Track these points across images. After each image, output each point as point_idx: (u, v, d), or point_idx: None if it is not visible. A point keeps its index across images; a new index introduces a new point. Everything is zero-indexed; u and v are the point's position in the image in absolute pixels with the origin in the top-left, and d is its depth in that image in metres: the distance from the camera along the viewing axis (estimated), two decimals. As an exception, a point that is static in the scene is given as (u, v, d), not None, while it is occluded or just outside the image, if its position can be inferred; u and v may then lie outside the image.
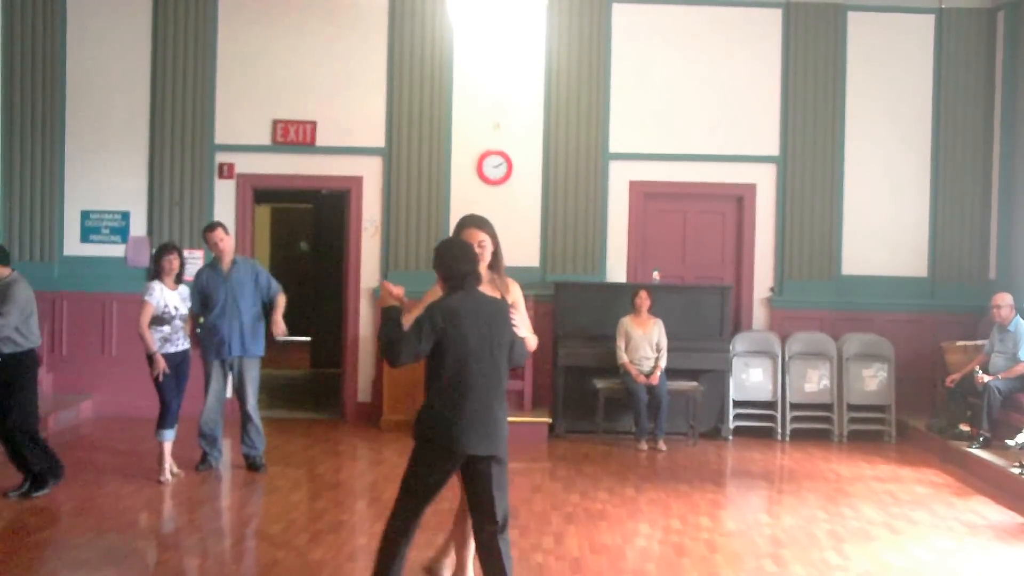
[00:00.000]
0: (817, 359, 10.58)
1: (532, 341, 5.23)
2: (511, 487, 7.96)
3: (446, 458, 4.72)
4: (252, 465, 8.33)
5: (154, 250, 8.78)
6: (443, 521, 6.97)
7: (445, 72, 10.83)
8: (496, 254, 5.37)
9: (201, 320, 8.28)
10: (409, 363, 4.72)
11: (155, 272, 7.99)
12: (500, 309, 4.90)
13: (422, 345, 4.67)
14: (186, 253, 8.94)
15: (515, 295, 5.44)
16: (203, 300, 8.23)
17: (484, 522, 4.82)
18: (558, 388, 10.34)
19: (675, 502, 7.75)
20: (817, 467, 9.24)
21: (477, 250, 5.13)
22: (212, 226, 8.39)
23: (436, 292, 5.09)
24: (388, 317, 4.73)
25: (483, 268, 5.21)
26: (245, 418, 8.32)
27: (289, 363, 14.62)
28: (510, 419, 10.40)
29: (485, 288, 5.02)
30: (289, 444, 9.59)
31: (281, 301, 8.39)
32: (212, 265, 8.38)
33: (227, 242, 8.32)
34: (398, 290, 4.85)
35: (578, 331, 10.34)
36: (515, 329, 4.94)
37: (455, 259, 4.83)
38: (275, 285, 8.44)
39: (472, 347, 4.71)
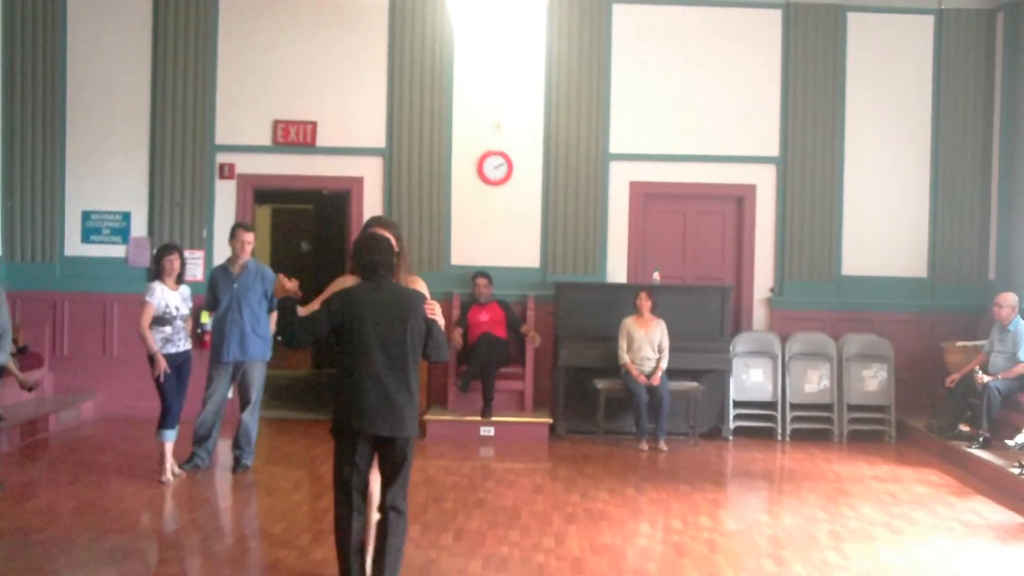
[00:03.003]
0: (817, 359, 10.58)
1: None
2: (512, 487, 8.06)
3: (354, 439, 5.05)
4: (235, 465, 8.38)
5: (155, 250, 8.79)
6: (445, 520, 6.99)
7: (445, 72, 10.84)
8: (400, 254, 5.46)
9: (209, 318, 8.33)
10: (307, 344, 5.11)
11: (156, 272, 8.00)
12: (410, 299, 5.14)
13: (318, 328, 5.01)
14: (187, 253, 8.96)
15: (421, 291, 5.50)
16: (213, 298, 8.32)
17: (383, 494, 5.17)
18: (559, 388, 10.35)
19: (676, 502, 7.76)
20: (817, 467, 9.25)
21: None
22: (248, 227, 8.49)
23: (342, 280, 5.43)
24: (282, 306, 5.09)
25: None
26: (239, 421, 8.39)
27: (290, 363, 14.61)
28: (510, 419, 10.45)
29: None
30: (291, 444, 9.60)
31: (274, 317, 8.40)
32: (224, 267, 8.42)
33: (252, 246, 8.38)
34: (292, 283, 5.16)
35: (579, 331, 10.35)
36: (434, 318, 5.19)
37: (367, 250, 5.14)
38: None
39: (371, 334, 4.98)
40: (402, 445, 5.09)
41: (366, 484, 5.20)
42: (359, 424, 4.99)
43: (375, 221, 5.64)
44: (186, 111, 10.73)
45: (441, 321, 5.27)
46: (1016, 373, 9.18)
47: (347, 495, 5.12)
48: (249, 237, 8.34)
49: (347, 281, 5.35)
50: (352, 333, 4.98)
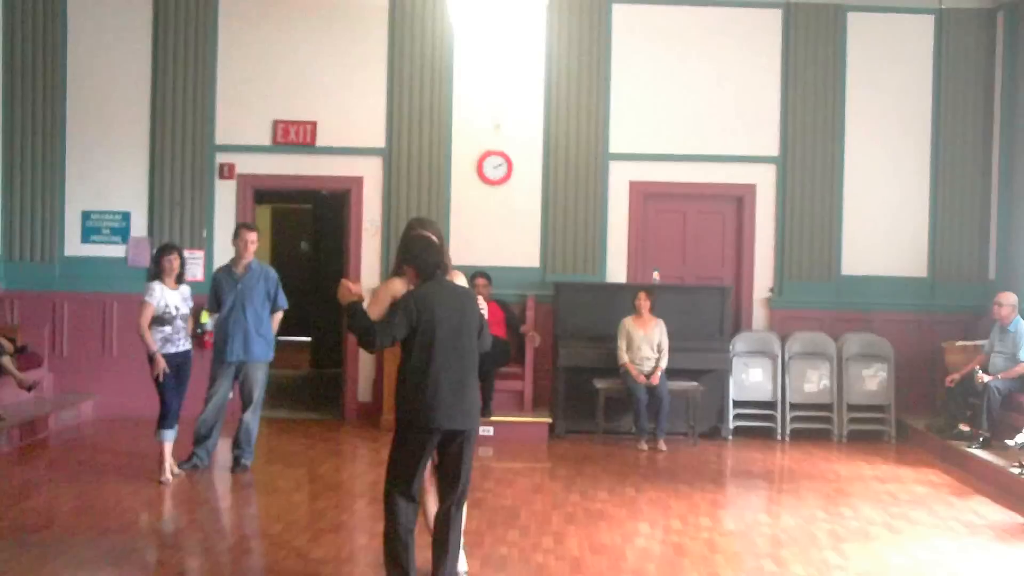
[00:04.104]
0: (817, 359, 10.58)
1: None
2: (511, 487, 8.06)
3: (426, 434, 5.13)
4: (234, 464, 8.37)
5: (154, 250, 8.79)
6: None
7: (445, 72, 10.84)
8: (443, 251, 5.66)
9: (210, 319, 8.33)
10: (386, 347, 5.21)
11: (155, 272, 7.99)
12: (468, 296, 5.40)
13: (397, 330, 5.11)
14: (186, 253, 8.95)
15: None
16: (216, 301, 8.32)
17: (448, 491, 5.28)
18: (558, 388, 10.35)
19: (675, 502, 7.76)
20: (817, 467, 9.25)
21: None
22: (251, 227, 8.52)
23: (391, 284, 5.50)
24: (354, 311, 5.18)
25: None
26: (240, 421, 8.39)
27: (290, 363, 14.62)
28: (510, 419, 10.48)
29: None
30: (290, 444, 9.60)
31: (277, 318, 8.43)
32: (227, 267, 8.43)
33: (255, 246, 8.38)
34: (356, 287, 5.29)
35: (578, 331, 10.34)
36: (483, 313, 5.40)
37: (424, 251, 5.30)
38: (281, 300, 8.43)
39: (444, 331, 5.14)
40: (469, 437, 5.24)
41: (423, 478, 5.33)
42: (435, 419, 5.09)
43: (418, 223, 5.76)
44: (186, 111, 10.73)
45: (486, 314, 5.49)
46: (1016, 373, 9.18)
47: (410, 487, 5.17)
48: (253, 237, 8.35)
49: (395, 284, 5.45)
50: (428, 331, 5.11)
